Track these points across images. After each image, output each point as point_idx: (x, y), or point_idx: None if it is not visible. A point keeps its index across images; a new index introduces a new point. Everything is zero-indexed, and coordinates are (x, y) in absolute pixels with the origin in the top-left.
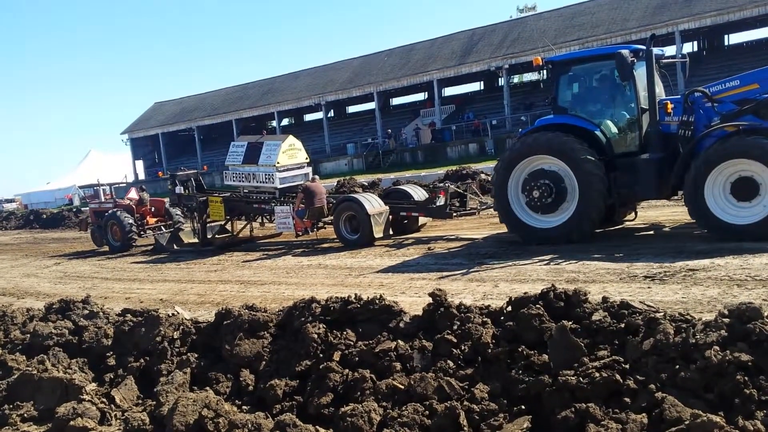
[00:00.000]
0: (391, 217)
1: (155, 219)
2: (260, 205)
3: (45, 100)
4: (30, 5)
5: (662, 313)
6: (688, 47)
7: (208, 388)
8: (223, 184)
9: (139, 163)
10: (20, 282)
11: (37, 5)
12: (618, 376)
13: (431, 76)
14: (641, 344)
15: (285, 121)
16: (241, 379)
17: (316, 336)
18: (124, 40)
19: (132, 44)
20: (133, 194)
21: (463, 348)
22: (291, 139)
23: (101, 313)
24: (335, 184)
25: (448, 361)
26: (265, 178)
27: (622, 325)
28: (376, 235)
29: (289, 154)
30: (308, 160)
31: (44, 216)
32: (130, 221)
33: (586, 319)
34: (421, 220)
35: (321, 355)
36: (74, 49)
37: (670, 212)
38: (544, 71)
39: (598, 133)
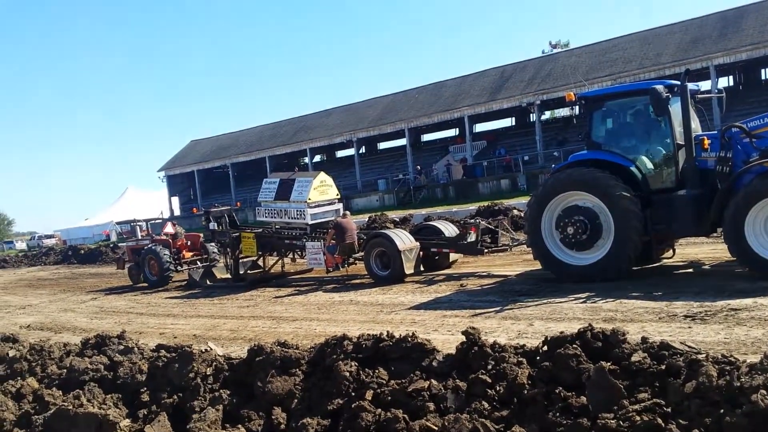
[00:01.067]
0: (422, 253)
1: (191, 253)
2: (292, 241)
3: (84, 139)
4: (68, 46)
5: (704, 355)
6: (724, 82)
7: (240, 425)
8: (255, 220)
9: (175, 200)
10: (58, 317)
11: (77, 45)
12: (660, 420)
13: (462, 112)
14: (683, 387)
15: (317, 158)
16: (273, 417)
17: (347, 374)
18: (161, 80)
19: (169, 84)
20: (169, 229)
21: (498, 388)
22: (322, 176)
23: (136, 349)
24: (366, 219)
25: (483, 402)
26: (297, 214)
27: (663, 367)
28: (407, 272)
29: (321, 191)
30: (339, 196)
31: (82, 251)
32: (168, 256)
33: (625, 360)
34: (453, 256)
35: (353, 394)
36: (113, 90)
37: (709, 249)
38: (577, 107)
39: (633, 168)
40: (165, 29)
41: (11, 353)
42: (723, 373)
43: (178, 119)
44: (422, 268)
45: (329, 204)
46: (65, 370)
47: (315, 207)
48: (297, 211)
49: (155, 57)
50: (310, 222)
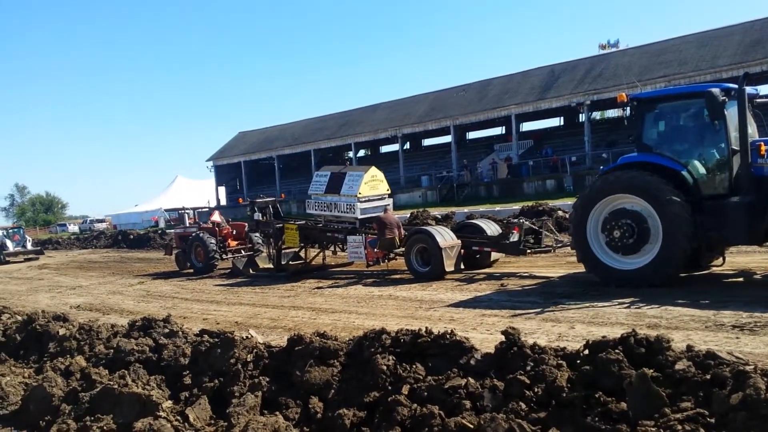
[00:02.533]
0: (463, 251)
1: (236, 242)
2: (334, 234)
3: (138, 128)
4: (127, 42)
5: (752, 366)
6: None
7: (277, 412)
8: (305, 212)
9: (222, 189)
10: (106, 299)
11: (133, 39)
12: (703, 431)
13: (509, 110)
14: (729, 398)
15: (361, 152)
16: (309, 406)
17: (385, 368)
18: (213, 73)
19: (220, 76)
20: (216, 217)
21: (536, 390)
22: (373, 170)
23: (180, 333)
24: (408, 215)
25: (520, 403)
26: (347, 208)
27: (708, 377)
28: (447, 269)
29: (371, 185)
30: (389, 192)
31: (131, 236)
32: (214, 243)
33: (668, 368)
34: (494, 255)
35: (389, 388)
36: (167, 83)
37: (761, 259)
38: (628, 108)
39: (684, 173)
40: (223, 22)
41: (61, 332)
42: None
43: (229, 111)
44: (463, 266)
45: (379, 199)
46: (112, 351)
47: (365, 201)
48: (347, 205)
49: (210, 52)
50: (360, 216)
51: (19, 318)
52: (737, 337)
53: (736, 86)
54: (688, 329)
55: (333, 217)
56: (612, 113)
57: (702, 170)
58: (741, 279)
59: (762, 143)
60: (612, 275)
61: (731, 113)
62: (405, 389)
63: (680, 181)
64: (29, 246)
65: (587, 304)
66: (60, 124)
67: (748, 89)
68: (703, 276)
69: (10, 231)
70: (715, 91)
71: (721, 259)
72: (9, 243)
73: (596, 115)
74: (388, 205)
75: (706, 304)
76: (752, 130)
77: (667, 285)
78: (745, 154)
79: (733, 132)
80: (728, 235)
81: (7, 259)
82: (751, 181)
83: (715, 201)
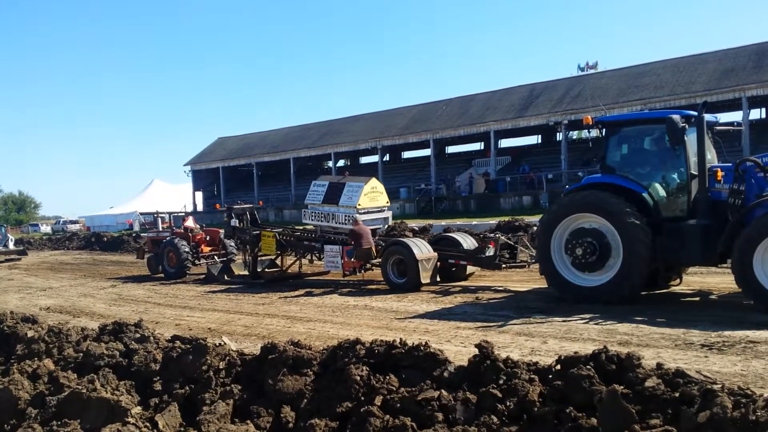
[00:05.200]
0: (439, 263)
1: (209, 248)
2: (311, 243)
3: (115, 130)
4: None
5: (720, 385)
6: (756, 113)
7: (249, 421)
8: (282, 220)
9: (199, 195)
10: (77, 301)
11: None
12: None
13: (488, 126)
14: (696, 416)
15: (341, 162)
16: (282, 415)
17: (358, 378)
18: (193, 76)
19: (201, 81)
20: (189, 222)
21: (508, 404)
22: (374, 182)
23: (152, 338)
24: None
25: (492, 416)
26: (345, 219)
27: (677, 395)
28: (423, 281)
29: (371, 197)
30: (388, 204)
31: (105, 239)
32: (186, 249)
33: (638, 385)
34: (470, 269)
35: (362, 398)
36: (146, 82)
37: (715, 280)
38: (603, 130)
39: (645, 195)
40: (201, 26)
41: (30, 334)
42: (738, 405)
43: (207, 115)
44: (439, 279)
45: (379, 211)
46: (81, 354)
47: (364, 213)
48: (345, 216)
49: (189, 53)
50: None
51: None
52: (706, 356)
53: (696, 113)
54: (658, 347)
55: (330, 228)
56: (591, 133)
57: (662, 193)
58: (698, 299)
59: (719, 169)
60: (572, 291)
61: (691, 139)
62: (378, 400)
63: (641, 203)
64: (11, 245)
65: (560, 320)
66: (36, 124)
67: (709, 117)
68: (663, 295)
69: None
70: (676, 117)
71: (678, 279)
72: None
73: (573, 134)
74: (387, 216)
75: (676, 322)
76: (711, 156)
77: (625, 303)
78: (703, 178)
79: (692, 157)
80: (685, 256)
81: None
82: (708, 205)
83: (673, 223)
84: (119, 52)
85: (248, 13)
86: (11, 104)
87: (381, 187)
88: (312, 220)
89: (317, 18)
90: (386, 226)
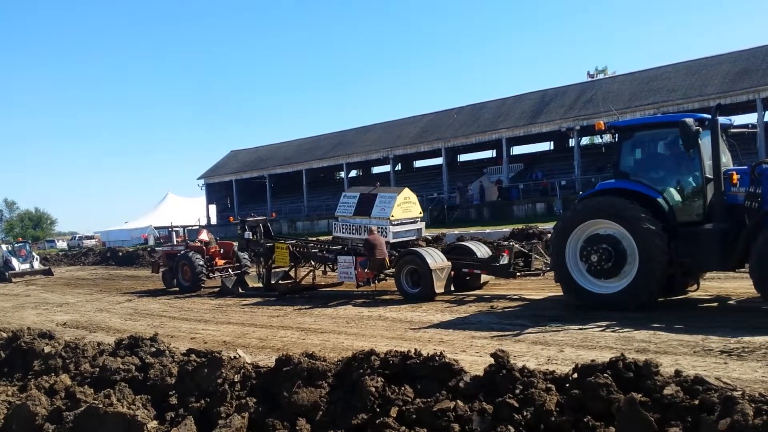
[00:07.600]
0: (453, 273)
1: (223, 261)
2: (324, 254)
3: (130, 145)
4: (117, 55)
5: (740, 392)
6: None
7: None
8: (295, 231)
9: (213, 208)
10: (93, 316)
11: (124, 54)
12: None
13: (500, 134)
14: (716, 423)
15: (353, 173)
16: (297, 427)
17: (373, 389)
18: (205, 91)
19: (212, 94)
20: (204, 236)
21: (524, 413)
22: (407, 192)
23: (167, 352)
24: None
25: (509, 426)
26: (378, 232)
27: (696, 402)
28: (437, 290)
29: (404, 208)
30: (422, 215)
31: (120, 254)
32: (201, 262)
33: (657, 393)
34: (484, 277)
35: (378, 410)
36: (160, 99)
37: (732, 285)
38: (608, 135)
39: (660, 200)
40: (218, 40)
41: (47, 349)
42: (760, 412)
43: (221, 129)
44: (453, 288)
45: (412, 222)
46: (98, 369)
47: (398, 225)
48: (378, 228)
49: (202, 67)
50: (392, 240)
51: (4, 335)
52: (725, 363)
53: (709, 116)
54: (676, 354)
55: (362, 241)
56: (602, 139)
57: (677, 198)
58: (716, 304)
59: (734, 172)
60: (588, 298)
61: (705, 143)
62: (393, 412)
63: (656, 208)
64: (36, 264)
65: (576, 328)
66: (51, 139)
67: (723, 119)
68: (681, 301)
69: (16, 246)
70: (689, 121)
71: (695, 284)
72: (15, 261)
73: (586, 140)
74: (421, 227)
75: (694, 329)
76: (726, 159)
77: (642, 309)
78: (719, 182)
79: (707, 161)
80: (702, 261)
81: (14, 279)
82: (724, 208)
83: (689, 228)
84: (135, 65)
85: (259, 25)
86: (24, 121)
87: (414, 197)
88: (343, 233)
89: (330, 32)
90: (418, 238)
